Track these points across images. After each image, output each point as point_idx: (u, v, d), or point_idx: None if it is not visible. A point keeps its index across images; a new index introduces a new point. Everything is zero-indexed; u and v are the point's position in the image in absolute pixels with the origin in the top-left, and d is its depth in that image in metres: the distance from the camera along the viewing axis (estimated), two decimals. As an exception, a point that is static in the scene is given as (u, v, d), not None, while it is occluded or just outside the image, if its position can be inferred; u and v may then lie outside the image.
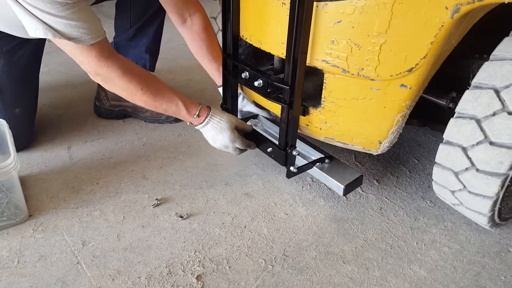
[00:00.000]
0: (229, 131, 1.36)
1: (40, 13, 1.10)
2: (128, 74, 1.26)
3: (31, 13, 1.10)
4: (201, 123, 1.37)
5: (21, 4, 1.09)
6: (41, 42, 1.61)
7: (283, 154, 1.37)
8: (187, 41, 1.59)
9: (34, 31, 1.13)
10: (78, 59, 1.24)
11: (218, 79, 1.58)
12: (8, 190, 1.28)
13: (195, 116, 1.36)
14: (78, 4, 1.14)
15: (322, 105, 1.28)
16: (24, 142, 1.68)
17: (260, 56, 1.60)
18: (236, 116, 1.54)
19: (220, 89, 1.57)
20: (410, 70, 1.06)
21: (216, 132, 1.37)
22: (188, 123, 1.40)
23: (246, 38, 1.38)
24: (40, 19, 1.11)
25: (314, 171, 1.44)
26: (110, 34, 1.86)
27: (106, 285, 1.14)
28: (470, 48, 1.35)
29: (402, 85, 1.10)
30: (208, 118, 1.36)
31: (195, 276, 1.17)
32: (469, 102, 1.08)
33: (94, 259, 1.21)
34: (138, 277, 1.16)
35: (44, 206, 1.40)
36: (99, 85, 1.91)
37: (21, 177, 1.51)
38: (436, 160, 1.20)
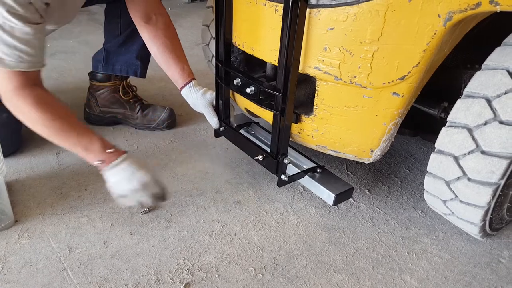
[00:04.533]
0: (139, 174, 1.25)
1: None
2: (42, 105, 1.18)
3: None
4: (112, 161, 1.25)
5: None
6: None
7: (274, 162, 1.36)
8: (150, 41, 1.52)
9: None
10: None
11: (181, 80, 1.51)
12: (-7, 195, 1.26)
13: (107, 151, 1.25)
14: (39, 30, 1.11)
15: (314, 113, 1.27)
16: (11, 148, 1.65)
17: (253, 63, 1.60)
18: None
19: (183, 93, 1.51)
20: (402, 78, 1.06)
21: (123, 176, 1.25)
22: (94, 164, 1.26)
23: (238, 45, 1.38)
24: None
25: (305, 180, 1.43)
26: (102, 40, 1.86)
27: (93, 292, 1.12)
28: (462, 58, 1.36)
29: (394, 93, 1.10)
30: (121, 159, 1.26)
31: (184, 284, 1.15)
32: (461, 111, 1.08)
33: (81, 266, 1.19)
34: (125, 285, 1.14)
35: (30, 212, 1.37)
36: (89, 91, 1.90)
37: (8, 182, 1.49)
38: (427, 170, 1.20)
